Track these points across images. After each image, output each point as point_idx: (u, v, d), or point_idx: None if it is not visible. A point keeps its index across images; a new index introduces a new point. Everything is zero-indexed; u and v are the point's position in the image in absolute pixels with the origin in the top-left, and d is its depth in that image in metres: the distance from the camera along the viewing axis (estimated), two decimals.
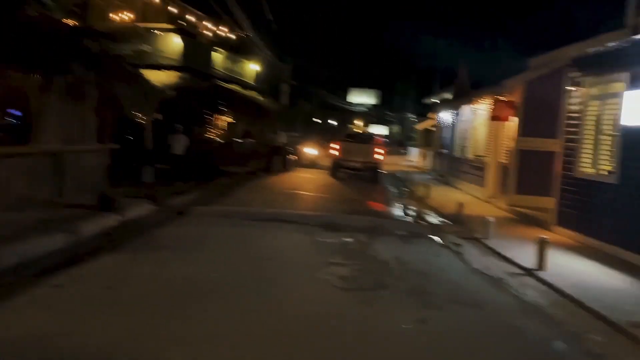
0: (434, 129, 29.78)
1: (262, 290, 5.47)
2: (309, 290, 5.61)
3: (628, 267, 7.31)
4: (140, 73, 12.34)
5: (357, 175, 19.98)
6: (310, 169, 23.37)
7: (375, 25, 78.97)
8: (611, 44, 7.78)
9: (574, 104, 9.75)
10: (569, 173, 9.74)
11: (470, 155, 17.06)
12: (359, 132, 31.94)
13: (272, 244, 7.84)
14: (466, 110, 17.46)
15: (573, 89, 9.70)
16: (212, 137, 19.96)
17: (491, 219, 9.10)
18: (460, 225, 10.48)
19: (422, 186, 17.03)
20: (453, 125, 19.97)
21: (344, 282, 5.98)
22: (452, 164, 19.94)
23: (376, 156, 19.57)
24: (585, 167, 9.37)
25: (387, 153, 30.23)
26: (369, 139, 21.75)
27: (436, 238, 9.24)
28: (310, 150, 27.17)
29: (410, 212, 12.64)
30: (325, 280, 5.98)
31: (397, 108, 65.61)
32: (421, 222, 11.46)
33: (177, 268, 6.09)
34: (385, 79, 64.04)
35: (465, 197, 15.77)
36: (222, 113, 21.75)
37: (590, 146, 9.29)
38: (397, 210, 12.88)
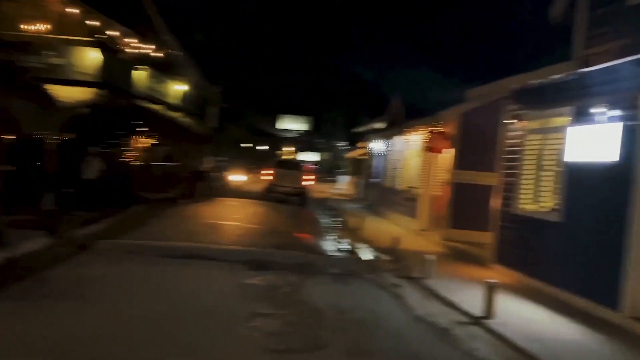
0: (364, 157, 29.59)
1: (170, 356, 4.40)
2: (229, 354, 4.60)
3: (577, 313, 6.83)
4: (44, 87, 10.86)
5: (288, 200, 20.62)
6: (237, 197, 22.18)
7: (308, 52, 78.82)
8: (556, 77, 7.47)
9: (513, 138, 9.44)
10: (508, 209, 9.34)
11: (401, 186, 16.67)
12: (290, 159, 33.73)
13: (189, 288, 6.74)
14: (399, 140, 17.13)
15: (512, 121, 9.39)
16: (130, 159, 18.41)
17: (431, 257, 8.47)
18: (397, 262, 9.80)
19: (354, 216, 16.40)
20: (385, 154, 19.63)
21: (273, 340, 5.01)
22: (383, 194, 19.53)
23: (306, 182, 20.97)
24: (526, 203, 9.01)
25: (317, 180, 30.62)
26: (299, 165, 23.44)
27: (373, 277, 8.47)
28: (238, 177, 26.09)
29: (343, 246, 11.87)
30: (250, 337, 4.99)
31: (328, 135, 65.69)
32: (355, 257, 10.70)
33: (67, 324, 4.89)
34: (316, 106, 64.07)
35: (397, 229, 15.25)
36: (143, 134, 20.26)
37: (531, 181, 8.95)
38: (329, 244, 12.06)
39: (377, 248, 11.63)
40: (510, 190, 9.37)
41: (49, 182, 10.51)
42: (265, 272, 7.92)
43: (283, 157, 44.78)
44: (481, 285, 8.14)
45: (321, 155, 67.68)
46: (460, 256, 10.93)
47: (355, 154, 31.87)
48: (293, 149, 68.49)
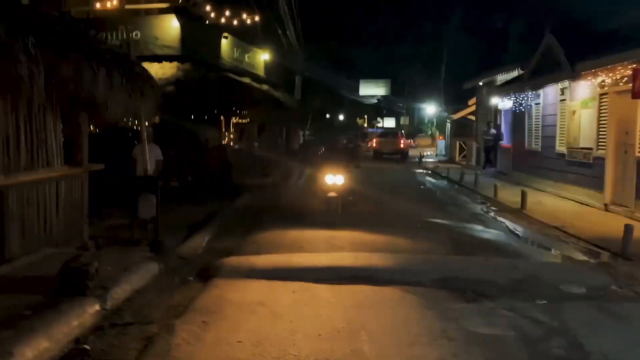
0: (472, 117, 25.86)
1: None
2: None
3: None
4: (140, 65, 8.09)
5: (391, 159, 28.77)
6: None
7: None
8: None
9: None
10: None
11: (563, 147, 13.16)
12: (388, 129, 45.59)
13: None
14: (553, 89, 13.54)
15: None
16: (225, 142, 16.03)
17: None
18: None
19: (497, 190, 13.14)
20: (523, 110, 16.04)
21: None
22: (525, 159, 16.05)
23: (401, 145, 29.95)
24: None
25: (408, 145, 33.74)
26: (395, 134, 32.18)
27: None
28: (333, 178, 23.00)
29: (533, 237, 8.77)
30: None
31: (410, 97, 61.25)
32: (583, 260, 7.49)
33: None
34: (396, 68, 59.44)
35: (570, 205, 11.88)
36: (233, 112, 17.80)
37: None
38: (514, 237, 8.98)
39: (581, 237, 8.43)
40: None
41: (145, 181, 8.10)
42: (480, 301, 5.05)
43: (383, 128, 54.13)
44: None
45: (400, 119, 63.48)
46: None
47: (462, 113, 28.14)
48: (370, 116, 64.75)
